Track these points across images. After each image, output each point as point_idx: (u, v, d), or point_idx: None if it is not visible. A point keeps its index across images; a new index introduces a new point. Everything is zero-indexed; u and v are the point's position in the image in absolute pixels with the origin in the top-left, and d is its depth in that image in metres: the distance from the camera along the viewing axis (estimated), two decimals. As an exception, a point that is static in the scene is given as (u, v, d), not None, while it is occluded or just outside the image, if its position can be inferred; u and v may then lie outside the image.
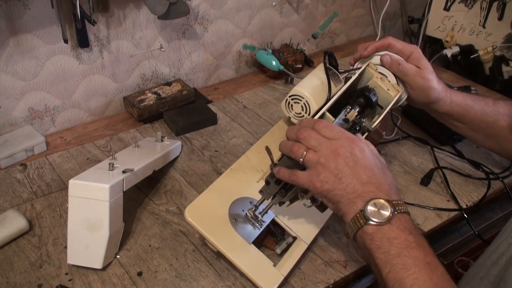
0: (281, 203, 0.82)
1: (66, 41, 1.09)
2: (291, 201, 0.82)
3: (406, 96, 0.97)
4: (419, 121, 1.19)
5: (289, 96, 0.91)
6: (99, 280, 0.83)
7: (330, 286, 0.82)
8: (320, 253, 0.88)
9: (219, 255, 0.84)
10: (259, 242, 0.87)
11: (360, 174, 0.71)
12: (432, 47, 1.65)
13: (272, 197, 0.81)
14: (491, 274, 0.68)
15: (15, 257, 0.87)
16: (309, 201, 0.79)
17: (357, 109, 0.88)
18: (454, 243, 1.03)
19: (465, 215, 0.97)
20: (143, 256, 0.87)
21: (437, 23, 1.52)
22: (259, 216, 0.85)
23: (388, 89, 0.92)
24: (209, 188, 0.88)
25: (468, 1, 1.45)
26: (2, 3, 1.02)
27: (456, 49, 1.46)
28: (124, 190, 0.87)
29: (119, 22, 1.19)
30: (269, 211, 0.85)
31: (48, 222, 0.94)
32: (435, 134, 1.16)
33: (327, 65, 0.95)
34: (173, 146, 1.07)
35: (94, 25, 1.13)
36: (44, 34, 1.10)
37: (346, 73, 0.99)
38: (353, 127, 0.85)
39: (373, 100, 0.89)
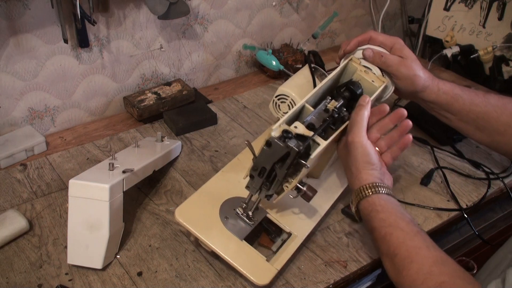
0: (268, 197, 0.82)
1: (66, 41, 1.09)
2: (278, 194, 0.82)
3: (393, 88, 0.98)
4: (419, 121, 1.19)
5: (275, 97, 0.92)
6: (99, 280, 0.83)
7: (330, 286, 0.82)
8: (320, 253, 0.88)
9: (214, 255, 0.85)
10: (256, 242, 0.88)
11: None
12: (432, 47, 1.65)
13: (258, 191, 0.82)
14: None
15: (15, 257, 0.87)
16: (295, 191, 0.81)
17: (341, 102, 0.89)
18: (454, 243, 1.03)
19: (465, 215, 0.97)
20: (143, 256, 0.87)
21: (437, 23, 1.52)
22: (250, 213, 0.85)
23: (372, 81, 0.93)
24: (200, 190, 0.89)
25: (468, 1, 1.45)
26: (2, 3, 1.02)
27: (456, 49, 1.46)
28: (124, 190, 0.87)
29: (119, 22, 1.19)
30: (261, 208, 0.85)
31: (48, 222, 0.94)
32: (435, 134, 1.16)
33: (312, 63, 0.96)
34: (173, 146, 1.07)
35: (94, 25, 1.13)
36: (44, 34, 1.10)
37: (332, 71, 0.99)
38: (332, 116, 0.86)
39: (357, 92, 0.91)
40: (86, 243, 0.83)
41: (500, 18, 1.39)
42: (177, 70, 1.35)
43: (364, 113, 0.85)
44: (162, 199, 1.00)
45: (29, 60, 1.11)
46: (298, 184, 0.80)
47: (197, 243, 0.88)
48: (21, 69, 1.10)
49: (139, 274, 0.84)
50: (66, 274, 0.84)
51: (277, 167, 0.78)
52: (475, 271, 1.01)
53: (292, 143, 0.75)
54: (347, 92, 0.91)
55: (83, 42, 1.14)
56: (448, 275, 0.70)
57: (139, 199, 0.99)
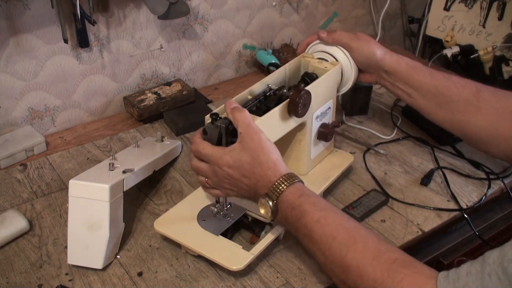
0: None
1: (66, 41, 1.09)
2: None
3: (355, 71, 1.01)
4: (419, 121, 1.19)
5: None
6: (99, 280, 0.83)
7: (330, 286, 0.82)
8: (320, 253, 0.88)
9: (200, 257, 0.85)
10: (235, 238, 0.89)
11: (242, 185, 0.80)
12: (432, 47, 1.65)
13: None
14: None
15: (15, 257, 0.87)
16: None
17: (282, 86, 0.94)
18: (454, 243, 1.03)
19: (465, 215, 0.97)
20: (144, 256, 0.87)
21: (437, 23, 1.52)
22: (225, 210, 0.88)
23: (326, 67, 0.98)
24: (180, 203, 0.92)
25: (468, 1, 1.45)
26: (2, 3, 1.02)
27: (456, 49, 1.46)
28: (124, 190, 0.87)
29: (119, 22, 1.19)
30: (239, 206, 0.89)
31: (48, 222, 0.94)
32: (435, 134, 1.16)
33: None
34: (173, 146, 1.07)
35: (94, 25, 1.13)
36: (44, 34, 1.10)
37: None
38: (264, 94, 0.90)
39: (314, 79, 0.95)
40: (86, 243, 0.83)
41: (500, 18, 1.39)
42: (177, 70, 1.35)
43: (237, 115, 0.79)
44: (162, 199, 1.00)
45: (29, 60, 1.11)
46: None
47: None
48: (21, 69, 1.10)
49: (139, 274, 0.84)
50: (66, 274, 0.84)
51: None
52: (475, 271, 1.01)
53: (220, 123, 0.80)
54: (303, 83, 0.95)
55: (83, 42, 1.14)
56: (397, 252, 0.68)
57: (139, 199, 0.99)
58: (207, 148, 0.80)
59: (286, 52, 1.42)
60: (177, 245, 0.89)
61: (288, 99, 0.87)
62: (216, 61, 1.41)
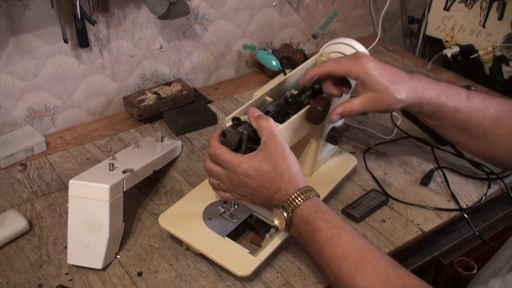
0: None
1: (66, 41, 1.09)
2: None
3: None
4: (419, 121, 1.19)
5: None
6: (99, 280, 0.83)
7: (330, 286, 0.82)
8: (320, 253, 0.88)
9: (203, 257, 0.85)
10: (240, 239, 0.89)
11: (257, 194, 0.78)
12: (432, 47, 1.65)
13: None
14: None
15: (15, 257, 0.87)
16: None
17: (302, 90, 0.90)
18: (454, 243, 1.03)
19: (465, 215, 0.97)
20: (143, 256, 0.87)
21: (437, 23, 1.52)
22: (232, 210, 0.87)
23: None
24: (184, 198, 0.91)
25: (468, 1, 1.45)
26: (2, 3, 1.02)
27: (456, 49, 1.46)
28: (124, 190, 0.87)
29: (119, 22, 1.19)
30: (246, 207, 0.88)
31: (48, 222, 0.94)
32: (435, 134, 1.15)
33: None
34: (173, 146, 1.07)
35: (94, 25, 1.13)
36: (44, 34, 1.10)
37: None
38: (286, 101, 0.87)
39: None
40: (86, 243, 0.83)
41: (500, 18, 1.39)
42: (177, 70, 1.35)
43: (263, 123, 0.78)
44: (162, 199, 1.00)
45: (29, 60, 1.11)
46: None
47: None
48: (21, 69, 1.10)
49: (139, 274, 0.84)
50: (66, 274, 0.84)
51: None
52: (475, 271, 1.01)
53: (242, 129, 0.78)
54: (317, 84, 0.91)
55: (83, 42, 1.14)
56: (406, 277, 0.67)
57: (139, 199, 0.99)
58: (225, 154, 0.78)
59: (286, 52, 1.42)
60: (177, 244, 0.89)
61: (309, 106, 0.86)
62: (216, 61, 1.41)
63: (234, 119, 0.79)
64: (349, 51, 0.94)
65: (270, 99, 0.88)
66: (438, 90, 0.88)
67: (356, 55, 0.86)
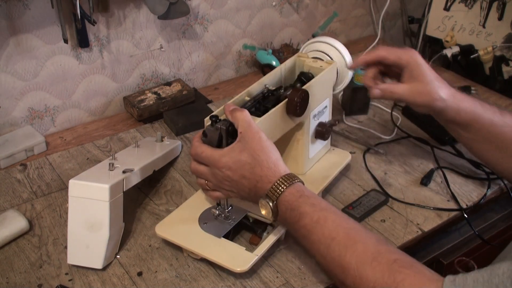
0: None
1: (66, 41, 1.09)
2: None
3: (351, 72, 1.03)
4: (419, 121, 1.19)
5: None
6: (99, 280, 0.83)
7: (330, 286, 0.82)
8: (320, 253, 0.88)
9: (203, 260, 0.85)
10: (236, 239, 0.89)
11: (241, 187, 0.79)
12: (432, 47, 1.64)
13: None
14: None
15: (15, 257, 0.87)
16: None
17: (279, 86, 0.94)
18: (454, 243, 1.03)
19: (465, 215, 0.97)
20: (143, 256, 0.87)
21: (437, 23, 1.52)
22: (226, 212, 0.87)
23: (321, 66, 0.97)
24: (179, 207, 0.92)
25: (468, 1, 1.44)
26: (2, 3, 1.02)
27: (456, 49, 1.45)
28: (124, 190, 0.87)
29: (119, 22, 1.19)
30: (240, 208, 0.88)
31: (48, 222, 0.94)
32: (435, 134, 1.16)
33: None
34: (173, 146, 1.07)
35: (94, 25, 1.13)
36: (44, 34, 1.10)
37: None
38: (263, 95, 0.90)
39: (310, 78, 0.95)
40: (86, 243, 0.83)
41: (500, 18, 1.39)
42: (177, 70, 1.35)
43: (238, 114, 0.79)
44: (162, 199, 1.00)
45: (29, 60, 1.11)
46: None
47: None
48: (21, 69, 1.10)
49: (139, 274, 0.84)
50: (66, 274, 0.84)
51: None
52: (475, 271, 1.01)
53: (220, 124, 0.79)
54: (299, 83, 0.95)
55: (83, 42, 1.15)
56: (397, 253, 0.67)
57: (139, 199, 0.99)
58: (205, 151, 0.79)
59: (286, 52, 1.42)
60: (178, 246, 0.89)
61: (287, 99, 0.87)
62: (216, 61, 1.41)
63: (212, 116, 0.81)
64: (328, 49, 1.02)
65: (248, 98, 0.90)
66: (473, 102, 0.89)
67: (406, 48, 0.90)
